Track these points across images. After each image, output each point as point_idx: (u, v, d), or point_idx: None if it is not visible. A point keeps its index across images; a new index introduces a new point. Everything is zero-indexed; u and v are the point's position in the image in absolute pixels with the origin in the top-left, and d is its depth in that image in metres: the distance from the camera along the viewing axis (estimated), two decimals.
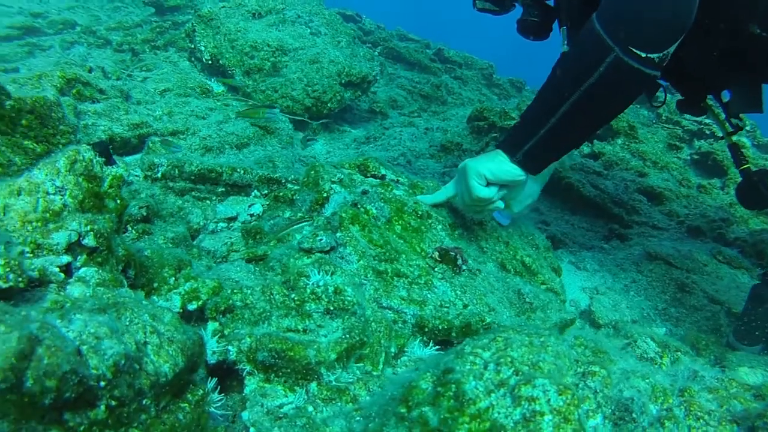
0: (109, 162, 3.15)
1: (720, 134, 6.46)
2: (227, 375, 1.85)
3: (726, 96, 2.89)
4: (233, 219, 2.95)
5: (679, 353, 2.79)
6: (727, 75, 2.64)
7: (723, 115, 2.93)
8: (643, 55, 2.07)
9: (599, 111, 2.34)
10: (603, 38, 2.10)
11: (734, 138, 2.91)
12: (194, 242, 2.73)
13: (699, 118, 6.78)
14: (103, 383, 1.23)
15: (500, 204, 2.58)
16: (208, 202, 3.07)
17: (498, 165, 2.45)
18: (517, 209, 2.82)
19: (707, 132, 6.58)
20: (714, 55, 2.49)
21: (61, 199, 1.74)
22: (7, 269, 1.42)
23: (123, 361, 1.26)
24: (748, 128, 6.72)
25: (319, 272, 2.00)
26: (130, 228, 2.50)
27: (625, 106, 2.42)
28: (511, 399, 1.20)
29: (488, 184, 2.50)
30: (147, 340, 1.37)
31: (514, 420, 1.16)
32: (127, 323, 1.37)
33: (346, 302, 1.92)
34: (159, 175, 3.03)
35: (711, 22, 2.24)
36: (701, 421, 1.35)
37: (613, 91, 2.24)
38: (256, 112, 4.48)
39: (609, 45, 2.08)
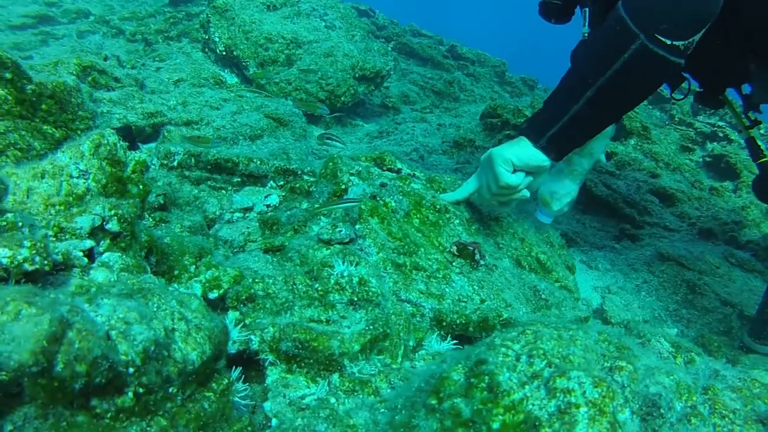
0: (133, 147, 3.15)
1: (731, 143, 6.44)
2: (247, 365, 1.84)
3: (747, 89, 2.88)
4: (249, 209, 2.94)
5: (692, 354, 2.78)
6: (750, 67, 2.63)
7: (741, 109, 2.92)
8: (669, 42, 2.07)
9: (623, 98, 2.34)
10: (628, 25, 2.10)
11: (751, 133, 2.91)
12: (210, 232, 2.73)
13: (712, 120, 6.76)
14: (132, 369, 1.22)
15: (526, 193, 2.56)
16: (223, 191, 3.06)
17: (523, 150, 2.43)
18: (557, 207, 2.81)
19: (720, 135, 6.56)
20: (738, 45, 2.49)
21: (84, 182, 1.73)
22: (33, 252, 1.41)
23: (152, 348, 1.25)
24: (762, 131, 6.69)
25: (343, 262, 1.99)
26: (147, 215, 2.50)
27: (649, 93, 2.42)
28: (546, 391, 1.19)
29: (514, 170, 2.48)
30: (175, 326, 1.36)
31: (549, 412, 1.15)
32: (155, 309, 1.36)
33: (370, 293, 1.91)
34: (175, 163, 3.02)
35: (736, 11, 2.24)
36: (727, 419, 1.33)
37: (638, 78, 2.23)
38: (312, 107, 4.58)
39: (634, 32, 2.08)
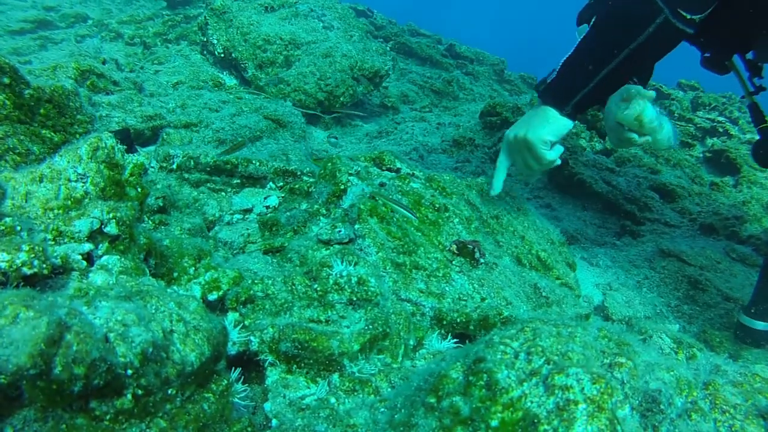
0: (131, 150, 3.15)
1: (731, 138, 6.44)
2: (247, 366, 1.84)
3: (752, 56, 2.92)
4: (249, 211, 2.94)
5: (694, 349, 2.78)
6: (758, 33, 2.68)
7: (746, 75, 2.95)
8: (688, 16, 2.20)
9: (641, 65, 2.48)
10: (654, 0, 2.22)
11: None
12: (210, 234, 2.73)
13: (712, 116, 6.76)
14: (130, 371, 1.22)
15: (558, 161, 2.67)
16: (223, 193, 3.06)
17: (555, 123, 2.54)
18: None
19: (720, 130, 6.55)
20: (749, 12, 2.53)
21: (82, 186, 1.73)
22: (32, 255, 1.42)
23: (150, 349, 1.25)
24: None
25: (342, 262, 1.99)
26: (146, 218, 2.50)
27: (659, 59, 2.59)
28: (544, 388, 1.18)
29: (552, 146, 2.60)
30: (173, 328, 1.36)
31: (548, 409, 1.15)
32: (153, 311, 1.36)
33: (369, 293, 1.91)
34: (174, 166, 3.02)
35: None
36: (727, 414, 1.33)
37: (658, 48, 2.40)
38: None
39: (659, 7, 2.21)
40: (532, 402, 1.17)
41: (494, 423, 1.17)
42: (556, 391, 1.17)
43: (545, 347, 1.28)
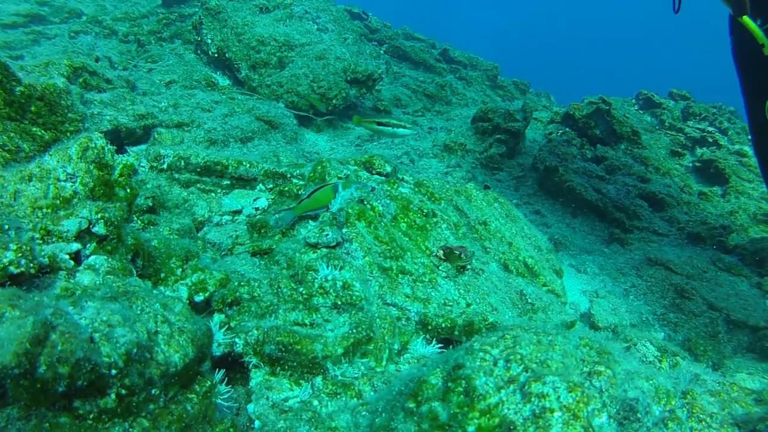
0: (121, 150, 3.16)
1: (720, 149, 6.48)
2: (231, 367, 1.85)
3: None
4: (238, 212, 2.95)
5: (677, 358, 2.81)
6: None
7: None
8: None
9: None
10: None
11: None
12: (199, 234, 2.73)
13: (702, 125, 6.81)
14: (114, 371, 1.24)
15: None
16: (213, 194, 3.07)
17: None
18: None
19: (710, 140, 6.60)
20: None
21: (72, 186, 1.74)
22: (19, 255, 1.42)
23: (135, 350, 1.27)
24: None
25: (327, 266, 2.00)
26: (135, 218, 2.50)
27: None
28: (521, 395, 1.20)
29: None
30: (158, 329, 1.37)
31: (524, 416, 1.17)
32: (139, 312, 1.37)
33: (354, 297, 1.93)
34: (165, 166, 3.03)
35: None
36: (704, 423, 1.35)
37: None
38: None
39: None
40: (509, 409, 1.19)
41: (471, 428, 1.18)
42: (533, 399, 1.18)
43: (524, 355, 1.30)
